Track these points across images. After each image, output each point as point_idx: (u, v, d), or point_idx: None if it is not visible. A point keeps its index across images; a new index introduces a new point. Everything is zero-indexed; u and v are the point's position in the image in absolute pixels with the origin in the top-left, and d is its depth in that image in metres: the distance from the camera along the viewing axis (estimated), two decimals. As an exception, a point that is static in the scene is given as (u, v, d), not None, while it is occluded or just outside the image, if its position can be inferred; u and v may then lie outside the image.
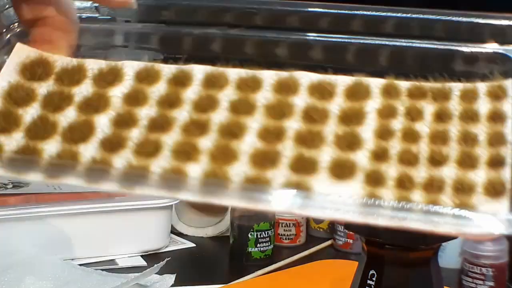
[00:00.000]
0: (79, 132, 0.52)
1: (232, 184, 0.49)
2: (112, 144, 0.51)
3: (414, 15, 0.55)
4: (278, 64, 0.55)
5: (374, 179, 0.49)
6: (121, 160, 0.51)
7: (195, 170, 0.50)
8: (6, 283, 0.92)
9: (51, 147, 0.51)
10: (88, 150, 0.51)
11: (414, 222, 0.46)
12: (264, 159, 0.50)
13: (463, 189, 0.48)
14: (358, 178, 0.49)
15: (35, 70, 0.55)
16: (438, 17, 0.55)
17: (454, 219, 0.46)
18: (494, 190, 0.48)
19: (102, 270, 1.09)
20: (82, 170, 0.50)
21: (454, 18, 0.55)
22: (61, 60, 0.56)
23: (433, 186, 0.49)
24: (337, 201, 0.48)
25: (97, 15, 0.59)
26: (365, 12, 0.56)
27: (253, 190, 0.48)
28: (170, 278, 1.04)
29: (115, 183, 0.50)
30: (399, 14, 0.55)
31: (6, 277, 0.93)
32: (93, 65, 0.56)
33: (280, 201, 0.47)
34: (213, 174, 0.50)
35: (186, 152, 0.51)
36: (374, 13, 0.56)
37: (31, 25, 0.58)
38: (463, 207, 0.47)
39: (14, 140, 0.52)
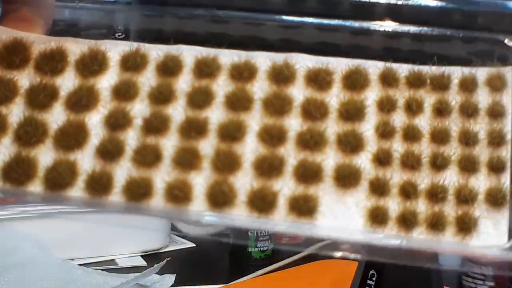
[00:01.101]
0: (73, 137, 0.50)
1: (239, 200, 0.49)
2: (109, 152, 0.50)
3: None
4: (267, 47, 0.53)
5: (379, 188, 0.50)
6: (121, 170, 0.50)
7: (199, 182, 0.50)
8: (6, 283, 0.91)
9: (45, 156, 0.50)
10: (86, 160, 0.50)
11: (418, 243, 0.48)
12: (269, 167, 0.50)
13: (465, 198, 0.50)
14: (363, 186, 0.50)
15: (12, 57, 0.52)
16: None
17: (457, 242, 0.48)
18: (495, 199, 0.50)
19: (102, 270, 1.07)
20: (83, 186, 0.49)
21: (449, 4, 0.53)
22: (38, 41, 0.53)
23: (436, 195, 0.50)
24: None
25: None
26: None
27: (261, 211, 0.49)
28: (170, 278, 1.02)
29: (121, 203, 0.49)
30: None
31: (6, 277, 0.92)
32: (74, 48, 0.53)
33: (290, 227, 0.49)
34: (220, 189, 0.49)
35: (187, 160, 0.50)
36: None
37: (2, 1, 0.53)
38: (465, 218, 0.49)
39: (4, 147, 0.50)
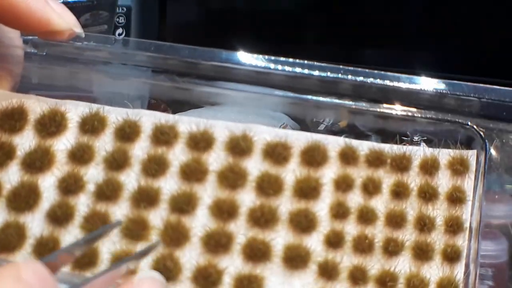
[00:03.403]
0: (24, 199, 0.50)
1: (184, 276, 0.49)
2: (58, 217, 0.50)
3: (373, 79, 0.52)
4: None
5: (327, 271, 0.49)
6: (69, 236, 0.49)
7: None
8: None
9: None
10: (35, 223, 0.50)
11: None
12: (216, 243, 0.49)
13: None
14: (311, 269, 0.49)
15: (-28, 114, 0.52)
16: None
17: None
18: None
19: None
20: (30, 250, 0.49)
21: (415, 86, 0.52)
22: (1, 98, 0.52)
23: (385, 283, 0.48)
24: None
25: (35, 50, 0.54)
26: (322, 74, 0.52)
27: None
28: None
29: (64, 273, 0.49)
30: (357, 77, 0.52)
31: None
32: (35, 106, 0.52)
33: None
34: (164, 263, 0.49)
35: (135, 231, 0.49)
36: (331, 74, 0.52)
37: None
38: None
39: None
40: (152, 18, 1.08)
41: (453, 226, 0.50)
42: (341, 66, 0.52)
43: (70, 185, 0.50)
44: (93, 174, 0.51)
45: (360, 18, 0.94)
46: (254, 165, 0.51)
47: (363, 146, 0.51)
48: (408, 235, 0.50)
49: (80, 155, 0.51)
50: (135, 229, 0.49)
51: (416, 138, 0.52)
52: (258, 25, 0.97)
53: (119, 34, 1.06)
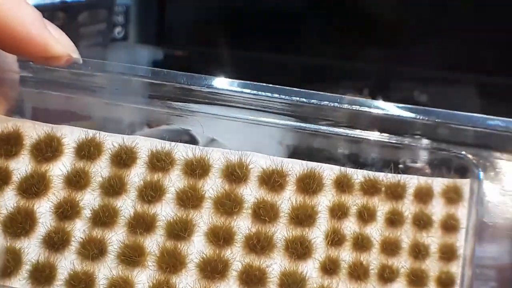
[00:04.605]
0: (20, 225, 0.50)
1: None
2: (55, 242, 0.50)
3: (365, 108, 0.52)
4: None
5: None
6: (66, 262, 0.49)
7: (142, 280, 0.49)
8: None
9: None
10: (32, 248, 0.50)
11: None
12: (213, 270, 0.49)
13: None
14: None
15: (-33, 138, 0.52)
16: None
17: None
18: None
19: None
20: (26, 276, 0.49)
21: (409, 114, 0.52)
22: None
23: None
24: None
25: (31, 75, 0.54)
26: (319, 102, 0.53)
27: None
28: None
29: None
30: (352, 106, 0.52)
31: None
32: (30, 131, 0.52)
33: None
34: (161, 289, 0.49)
35: (131, 257, 0.50)
36: (328, 102, 0.52)
37: None
38: None
39: None
40: (151, 17, 1.08)
41: (447, 253, 0.51)
42: (338, 95, 0.52)
43: (66, 211, 0.50)
44: (89, 199, 0.51)
45: (360, 16, 0.94)
46: (250, 192, 0.51)
47: (358, 174, 0.52)
48: (403, 262, 0.50)
49: (76, 181, 0.51)
50: (132, 255, 0.49)
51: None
52: (258, 24, 0.97)
53: (118, 33, 1.05)
